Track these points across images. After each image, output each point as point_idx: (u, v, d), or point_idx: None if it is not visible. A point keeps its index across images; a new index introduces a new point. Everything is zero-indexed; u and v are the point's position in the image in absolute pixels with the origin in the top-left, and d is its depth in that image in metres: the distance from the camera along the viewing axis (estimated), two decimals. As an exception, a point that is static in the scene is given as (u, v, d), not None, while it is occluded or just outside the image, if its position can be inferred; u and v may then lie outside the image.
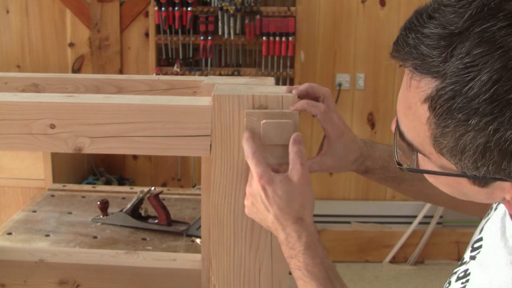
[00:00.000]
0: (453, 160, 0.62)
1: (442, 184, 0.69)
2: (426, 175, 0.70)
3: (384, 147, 1.01)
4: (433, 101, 0.59)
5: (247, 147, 0.84)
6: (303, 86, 0.93)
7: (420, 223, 3.49)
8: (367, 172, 0.99)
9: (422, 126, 0.62)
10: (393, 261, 3.54)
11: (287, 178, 0.83)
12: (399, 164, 0.72)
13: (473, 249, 0.77)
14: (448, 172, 0.64)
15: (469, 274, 0.74)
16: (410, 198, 3.97)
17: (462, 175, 0.63)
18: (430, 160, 0.66)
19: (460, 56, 0.56)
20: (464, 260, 0.78)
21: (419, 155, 0.67)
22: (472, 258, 0.76)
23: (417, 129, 0.64)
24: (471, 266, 0.75)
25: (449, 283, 0.77)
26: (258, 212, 0.84)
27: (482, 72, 0.55)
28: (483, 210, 0.94)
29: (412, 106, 0.63)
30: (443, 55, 0.58)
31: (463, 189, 0.66)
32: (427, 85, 0.60)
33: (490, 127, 0.56)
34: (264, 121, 0.84)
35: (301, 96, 0.91)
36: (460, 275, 0.75)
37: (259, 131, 0.84)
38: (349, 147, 0.95)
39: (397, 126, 0.69)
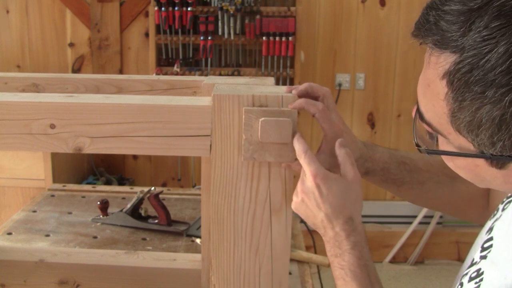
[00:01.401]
0: (470, 137, 0.63)
1: (461, 168, 0.70)
2: (444, 159, 0.71)
3: (385, 149, 1.01)
4: (451, 75, 0.61)
5: (299, 146, 0.84)
6: (303, 86, 0.93)
7: (420, 223, 3.49)
8: (367, 173, 0.99)
9: (440, 103, 0.64)
10: (393, 261, 3.54)
11: (341, 176, 0.84)
12: (417, 145, 0.73)
13: (483, 249, 0.77)
14: (466, 152, 0.65)
15: (482, 273, 0.73)
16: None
17: (480, 155, 0.64)
18: (448, 141, 0.67)
19: (478, 29, 0.58)
20: (474, 261, 0.78)
21: (439, 140, 0.69)
22: (483, 257, 0.76)
23: (435, 107, 0.65)
24: (483, 265, 0.75)
25: (461, 284, 0.76)
26: (307, 210, 0.85)
27: (499, 45, 0.56)
28: (481, 216, 0.94)
29: (431, 83, 0.65)
30: (461, 29, 0.59)
31: (481, 172, 0.67)
32: (446, 60, 0.61)
33: (506, 98, 0.57)
34: (262, 119, 0.84)
35: (301, 96, 0.92)
36: (473, 275, 0.75)
37: (257, 128, 0.84)
38: (348, 147, 0.95)
39: (417, 109, 0.71)
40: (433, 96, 0.65)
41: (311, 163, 0.83)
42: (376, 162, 0.99)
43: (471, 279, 0.75)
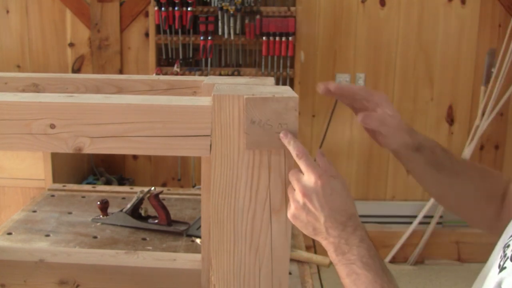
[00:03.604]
0: None
1: None
2: None
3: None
4: None
5: (297, 147, 0.83)
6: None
7: (420, 223, 3.49)
8: (418, 149, 1.01)
9: None
10: (393, 261, 3.54)
11: (335, 177, 0.85)
12: None
13: None
14: None
15: None
16: (410, 198, 3.93)
17: None
18: None
19: None
20: None
21: None
22: None
23: None
24: None
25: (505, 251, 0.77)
26: (309, 214, 0.84)
27: None
28: (494, 224, 0.94)
29: None
30: None
31: None
32: None
33: None
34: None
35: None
36: None
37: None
38: (392, 133, 1.03)
39: None
40: None
41: (313, 164, 0.84)
42: (427, 140, 1.02)
43: None
